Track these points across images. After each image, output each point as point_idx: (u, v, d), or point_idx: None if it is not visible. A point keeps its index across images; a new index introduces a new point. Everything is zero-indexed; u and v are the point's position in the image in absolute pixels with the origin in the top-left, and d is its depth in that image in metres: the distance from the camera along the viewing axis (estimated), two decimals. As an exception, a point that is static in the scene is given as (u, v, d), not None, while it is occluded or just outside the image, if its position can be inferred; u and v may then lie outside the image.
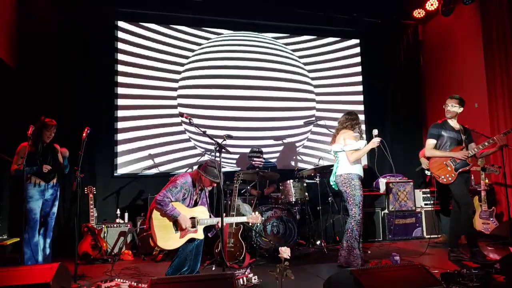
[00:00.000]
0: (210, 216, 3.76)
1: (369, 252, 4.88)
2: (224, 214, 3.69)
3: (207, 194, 3.93)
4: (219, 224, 3.64)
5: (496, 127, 5.65)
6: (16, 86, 5.28)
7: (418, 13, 6.83)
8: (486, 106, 5.87)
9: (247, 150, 5.86)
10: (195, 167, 5.68)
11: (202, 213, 3.73)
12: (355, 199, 4.11)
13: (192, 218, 3.63)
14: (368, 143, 4.15)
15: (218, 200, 4.34)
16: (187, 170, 6.07)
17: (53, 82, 5.49)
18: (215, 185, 3.79)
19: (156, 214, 3.54)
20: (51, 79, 5.48)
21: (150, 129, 6.09)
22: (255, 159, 5.59)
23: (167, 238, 3.52)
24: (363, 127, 6.57)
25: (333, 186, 4.44)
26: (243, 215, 4.51)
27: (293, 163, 6.61)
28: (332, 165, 5.38)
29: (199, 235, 3.66)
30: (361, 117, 6.93)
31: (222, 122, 6.41)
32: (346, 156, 4.19)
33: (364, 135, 4.45)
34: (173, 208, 3.53)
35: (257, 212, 3.96)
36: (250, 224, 4.15)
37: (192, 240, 3.64)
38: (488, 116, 5.82)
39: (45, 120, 4.11)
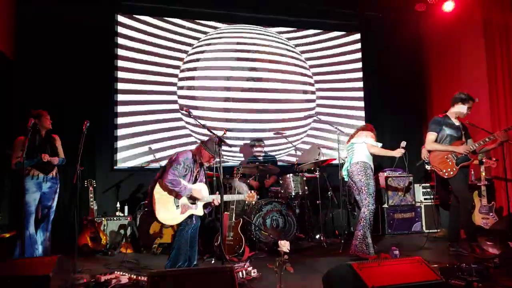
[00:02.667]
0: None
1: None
2: (223, 198, 3.73)
3: (205, 171, 3.98)
4: (215, 202, 3.74)
5: (497, 122, 5.62)
6: (15, 78, 5.25)
7: (420, 7, 6.77)
8: (487, 101, 5.84)
9: (247, 141, 5.88)
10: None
11: (202, 189, 3.80)
12: (369, 188, 4.22)
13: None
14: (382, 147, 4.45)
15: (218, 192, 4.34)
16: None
17: (52, 75, 5.46)
18: (213, 161, 3.83)
19: (157, 190, 3.58)
20: (50, 72, 5.45)
21: (151, 124, 6.07)
22: (257, 144, 5.74)
23: (168, 214, 3.59)
24: (362, 122, 6.61)
25: (345, 177, 4.52)
26: (240, 193, 4.57)
27: (292, 157, 6.60)
28: (332, 160, 5.41)
29: (199, 211, 3.76)
30: (361, 113, 6.99)
31: (222, 114, 6.39)
32: (364, 148, 4.35)
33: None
34: (184, 186, 3.60)
35: (253, 191, 4.10)
36: (246, 202, 4.19)
37: (187, 223, 3.66)
38: (489, 111, 5.79)
39: (38, 110, 4.19)
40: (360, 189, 4.27)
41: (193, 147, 3.96)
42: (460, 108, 4.32)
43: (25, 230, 4.05)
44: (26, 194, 4.07)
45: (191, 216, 3.71)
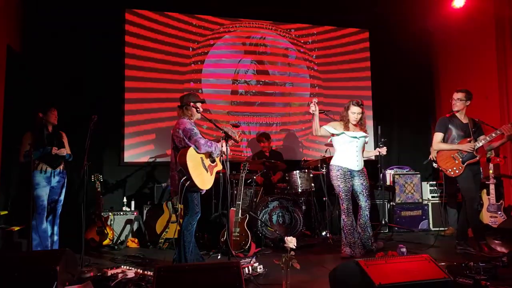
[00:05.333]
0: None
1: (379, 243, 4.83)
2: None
3: None
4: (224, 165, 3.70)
5: (507, 119, 5.55)
6: (22, 72, 5.28)
7: (429, 2, 6.69)
8: (497, 98, 5.77)
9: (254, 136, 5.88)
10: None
11: None
12: (335, 189, 4.22)
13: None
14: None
15: (224, 190, 4.34)
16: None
17: (60, 71, 5.49)
18: (200, 108, 3.79)
19: (190, 159, 3.46)
20: (57, 67, 5.48)
21: (158, 119, 6.06)
22: (264, 139, 5.69)
23: (203, 179, 3.56)
24: (371, 122, 6.55)
25: None
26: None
27: (299, 154, 6.57)
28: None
29: (220, 166, 3.80)
30: (369, 112, 6.84)
31: (229, 108, 6.39)
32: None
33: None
34: (216, 144, 3.61)
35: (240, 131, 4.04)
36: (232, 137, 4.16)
37: (195, 214, 3.62)
38: (498, 108, 5.72)
39: (47, 105, 4.26)
40: None
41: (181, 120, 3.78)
42: (455, 106, 4.28)
43: (40, 224, 4.13)
44: (37, 188, 4.12)
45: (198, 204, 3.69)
